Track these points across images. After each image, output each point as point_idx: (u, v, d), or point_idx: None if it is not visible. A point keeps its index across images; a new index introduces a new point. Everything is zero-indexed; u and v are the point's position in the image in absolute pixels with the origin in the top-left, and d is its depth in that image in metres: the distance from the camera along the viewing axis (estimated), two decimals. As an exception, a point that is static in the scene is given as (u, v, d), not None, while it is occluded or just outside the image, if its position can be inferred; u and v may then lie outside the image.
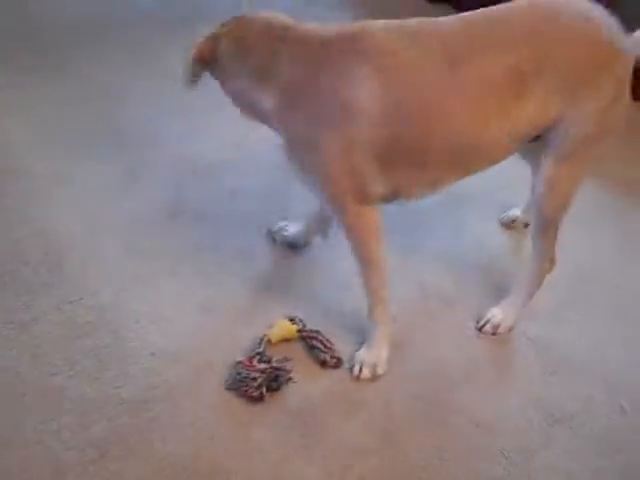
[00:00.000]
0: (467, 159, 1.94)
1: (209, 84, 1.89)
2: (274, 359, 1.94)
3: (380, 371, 2.04)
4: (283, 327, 2.05)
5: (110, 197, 2.43)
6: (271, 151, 2.57)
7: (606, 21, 1.88)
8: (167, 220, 2.38)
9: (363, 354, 2.05)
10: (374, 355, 2.04)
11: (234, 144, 2.68)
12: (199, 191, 2.49)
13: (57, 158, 2.52)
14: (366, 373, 2.03)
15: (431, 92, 1.81)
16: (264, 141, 2.56)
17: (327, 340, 2.05)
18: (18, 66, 2.85)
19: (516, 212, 2.59)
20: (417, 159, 1.89)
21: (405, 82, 1.80)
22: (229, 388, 1.92)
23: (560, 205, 2.05)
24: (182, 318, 2.06)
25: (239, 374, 1.91)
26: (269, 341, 2.01)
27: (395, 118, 1.80)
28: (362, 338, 2.03)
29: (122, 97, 2.81)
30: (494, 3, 1.90)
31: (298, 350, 2.00)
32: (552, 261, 2.17)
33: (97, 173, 2.50)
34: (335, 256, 2.23)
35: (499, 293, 2.20)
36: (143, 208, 2.41)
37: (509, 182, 2.50)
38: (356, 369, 2.03)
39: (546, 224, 2.09)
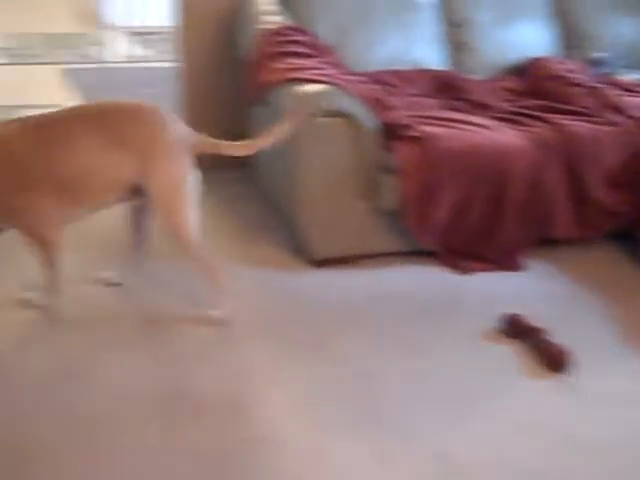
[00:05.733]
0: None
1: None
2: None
3: None
4: None
5: (360, 476, 2.38)
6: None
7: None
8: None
9: None
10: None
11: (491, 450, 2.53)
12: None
13: (311, 433, 2.55)
14: None
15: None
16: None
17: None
18: (288, 341, 3.03)
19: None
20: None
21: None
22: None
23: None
24: None
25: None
26: None
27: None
28: None
29: (381, 381, 2.83)
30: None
31: None
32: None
33: (348, 451, 2.48)
34: None
35: None
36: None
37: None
38: None
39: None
